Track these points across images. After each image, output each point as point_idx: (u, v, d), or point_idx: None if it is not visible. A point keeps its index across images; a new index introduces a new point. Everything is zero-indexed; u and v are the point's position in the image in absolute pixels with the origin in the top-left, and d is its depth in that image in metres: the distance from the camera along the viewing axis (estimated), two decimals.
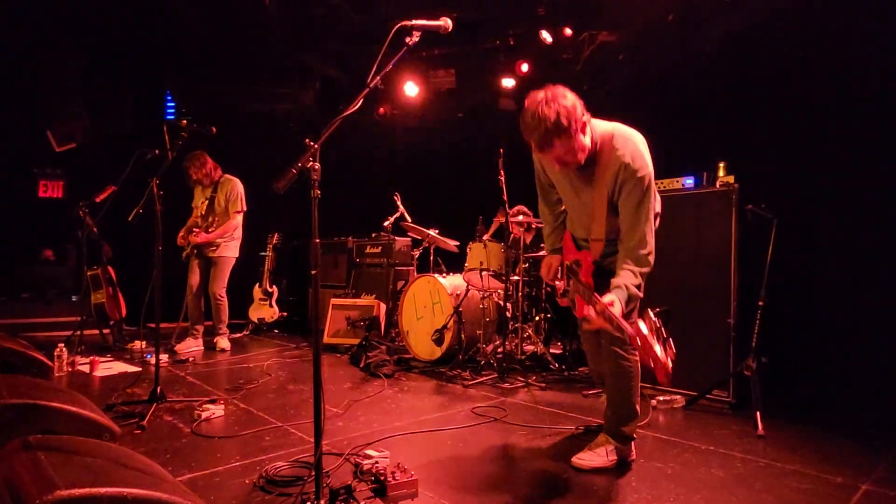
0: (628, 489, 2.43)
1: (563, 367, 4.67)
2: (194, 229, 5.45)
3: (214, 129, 3.86)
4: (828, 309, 3.98)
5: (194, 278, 5.55)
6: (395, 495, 2.28)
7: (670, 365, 1.95)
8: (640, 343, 1.97)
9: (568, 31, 5.42)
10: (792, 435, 3.17)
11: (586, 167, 2.46)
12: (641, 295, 2.37)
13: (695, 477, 2.55)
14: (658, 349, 1.96)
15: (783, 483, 2.50)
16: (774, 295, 3.45)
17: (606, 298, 2.18)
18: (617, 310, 2.13)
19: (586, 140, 2.37)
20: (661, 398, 3.72)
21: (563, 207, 2.86)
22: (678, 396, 3.74)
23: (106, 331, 5.78)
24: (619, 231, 2.45)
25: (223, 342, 5.64)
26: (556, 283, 2.88)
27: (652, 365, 1.97)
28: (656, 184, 4.04)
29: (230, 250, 5.59)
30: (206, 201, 5.53)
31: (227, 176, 5.64)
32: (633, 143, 2.40)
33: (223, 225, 5.47)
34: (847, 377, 3.81)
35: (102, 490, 1.25)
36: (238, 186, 5.60)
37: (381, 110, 7.52)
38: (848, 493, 2.39)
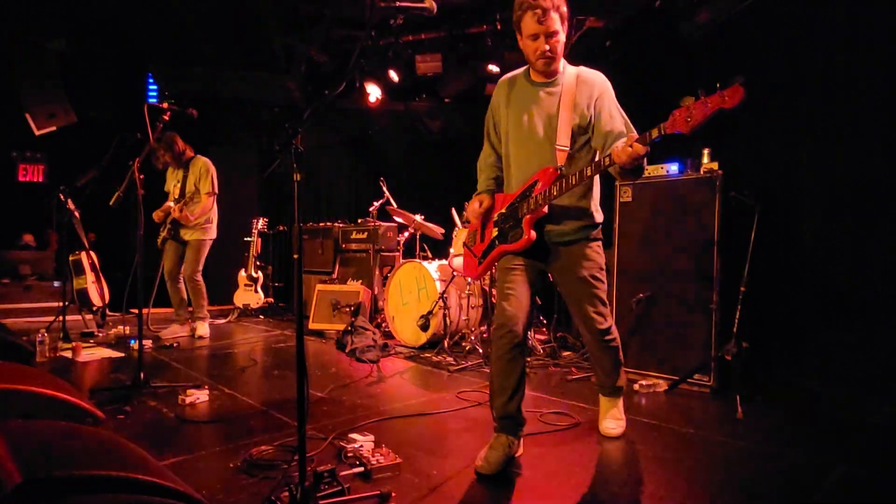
0: (609, 472, 2.47)
1: (548, 352, 4.70)
2: (172, 206, 5.35)
3: (196, 112, 3.81)
4: (809, 295, 4.04)
5: (168, 263, 5.46)
6: (379, 478, 2.30)
7: (725, 98, 1.97)
8: (695, 115, 2.03)
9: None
10: (771, 418, 3.22)
11: (550, 83, 2.55)
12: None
13: (676, 460, 2.59)
14: (705, 107, 2.01)
15: (762, 464, 2.54)
16: (757, 280, 3.49)
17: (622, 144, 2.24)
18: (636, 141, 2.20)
19: (562, 45, 2.48)
20: (643, 382, 3.77)
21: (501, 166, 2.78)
22: (660, 381, 3.79)
23: (89, 316, 5.73)
24: (605, 143, 2.47)
25: (202, 328, 5.55)
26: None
27: (717, 107, 1.99)
28: None
29: (204, 233, 5.45)
30: (178, 184, 5.41)
31: (198, 156, 5.47)
32: (598, 73, 2.58)
33: (197, 206, 5.36)
34: (826, 362, 3.87)
35: (84, 473, 1.25)
36: (209, 167, 5.43)
37: (373, 98, 7.46)
38: (824, 474, 2.44)
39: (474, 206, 2.73)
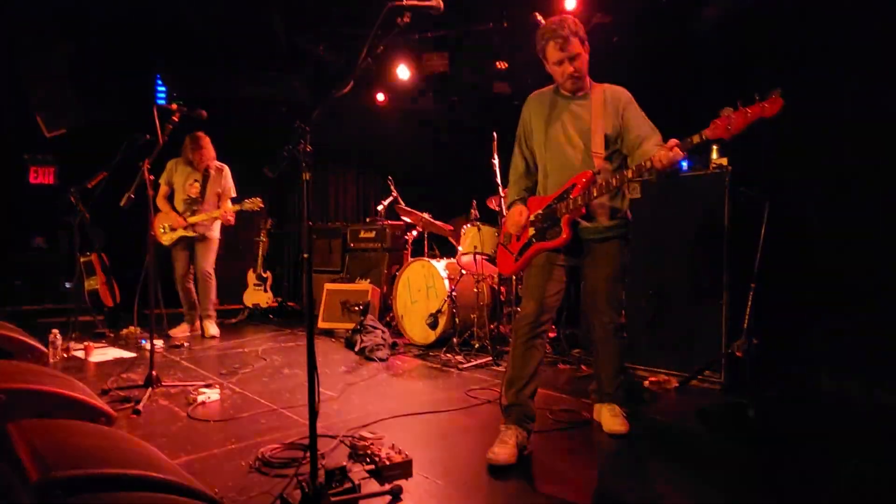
0: (620, 469, 2.46)
1: (557, 349, 4.70)
2: (196, 209, 5.39)
3: (205, 113, 3.83)
4: (820, 290, 4.00)
5: (181, 266, 5.51)
6: (389, 476, 2.30)
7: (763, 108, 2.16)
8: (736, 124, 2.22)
9: (570, 5, 5.29)
10: (783, 414, 3.21)
11: (580, 97, 2.75)
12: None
13: (686, 456, 2.59)
14: (745, 116, 2.20)
15: (772, 462, 2.53)
16: (767, 276, 3.46)
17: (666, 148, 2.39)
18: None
19: (586, 64, 2.71)
20: (653, 379, 3.76)
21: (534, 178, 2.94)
22: (670, 378, 3.78)
23: (100, 317, 5.77)
24: (634, 145, 2.66)
25: (212, 328, 5.57)
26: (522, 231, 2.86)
27: (757, 117, 2.19)
28: None
29: (217, 231, 5.58)
30: (196, 182, 5.47)
31: (220, 163, 5.62)
32: (624, 88, 2.79)
33: (223, 209, 5.42)
34: (838, 358, 3.84)
35: (98, 471, 1.26)
36: (229, 172, 5.62)
37: (381, 97, 7.48)
38: (836, 472, 2.43)
39: (516, 219, 2.82)
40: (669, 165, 2.37)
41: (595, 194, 2.57)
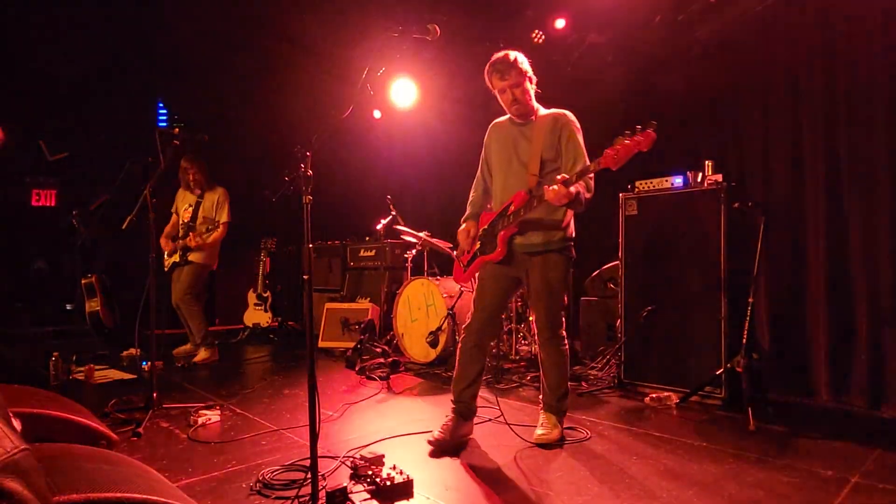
0: (622, 485, 2.46)
1: None
2: (191, 234, 5.32)
3: (206, 137, 3.86)
4: (817, 304, 4.02)
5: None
6: (391, 496, 2.30)
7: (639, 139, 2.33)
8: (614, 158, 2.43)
9: (560, 24, 5.36)
10: (783, 430, 3.21)
11: (527, 124, 3.02)
12: (587, 196, 2.79)
13: (687, 473, 2.59)
14: (627, 149, 2.36)
15: (774, 477, 2.53)
16: (764, 291, 3.48)
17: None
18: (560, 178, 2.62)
19: (531, 93, 2.98)
20: (653, 395, 3.76)
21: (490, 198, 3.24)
22: (671, 394, 3.78)
23: (101, 339, 5.76)
24: (562, 168, 2.91)
25: (202, 354, 5.27)
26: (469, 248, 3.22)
27: (635, 150, 2.37)
28: (645, 183, 4.13)
29: (206, 258, 5.38)
30: (190, 207, 5.41)
31: (217, 185, 5.52)
32: (566, 111, 3.02)
33: (213, 233, 5.30)
34: (838, 372, 3.84)
35: (100, 495, 1.27)
36: (227, 196, 5.46)
37: (377, 114, 7.54)
38: (838, 486, 2.43)
39: (464, 235, 3.19)
40: (556, 202, 2.62)
41: (523, 214, 2.86)
